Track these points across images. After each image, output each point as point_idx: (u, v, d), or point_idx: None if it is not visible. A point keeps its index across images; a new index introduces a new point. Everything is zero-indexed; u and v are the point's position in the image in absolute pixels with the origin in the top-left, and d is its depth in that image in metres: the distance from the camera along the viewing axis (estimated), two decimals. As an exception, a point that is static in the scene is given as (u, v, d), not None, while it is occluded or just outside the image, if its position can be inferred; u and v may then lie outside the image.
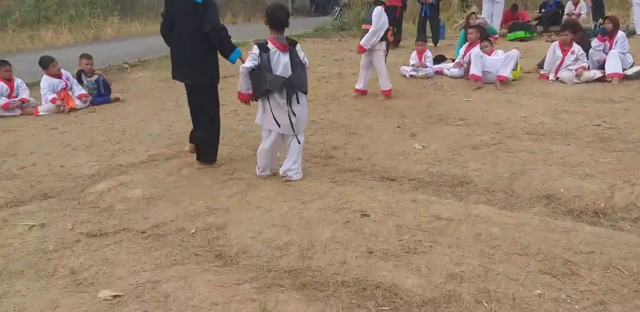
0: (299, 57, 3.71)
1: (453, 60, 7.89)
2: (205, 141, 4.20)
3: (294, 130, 3.75)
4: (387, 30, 6.06)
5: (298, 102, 3.72)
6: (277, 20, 3.68)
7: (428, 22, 10.89)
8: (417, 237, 2.95)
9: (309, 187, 3.70)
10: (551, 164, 3.91)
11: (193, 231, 3.24)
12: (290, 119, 3.70)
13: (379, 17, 5.95)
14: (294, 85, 3.67)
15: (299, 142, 3.84)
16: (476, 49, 7.03)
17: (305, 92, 3.81)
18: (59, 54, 7.42)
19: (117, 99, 6.82)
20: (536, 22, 12.22)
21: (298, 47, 3.74)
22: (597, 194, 3.39)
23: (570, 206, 3.26)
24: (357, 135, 4.98)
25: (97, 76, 6.89)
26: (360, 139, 4.86)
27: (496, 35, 10.48)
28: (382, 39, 6.04)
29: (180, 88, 7.34)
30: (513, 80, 6.98)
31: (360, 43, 6.09)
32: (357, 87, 6.57)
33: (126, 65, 9.01)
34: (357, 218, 3.20)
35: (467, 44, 7.69)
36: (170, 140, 5.04)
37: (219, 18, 4.03)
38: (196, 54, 3.96)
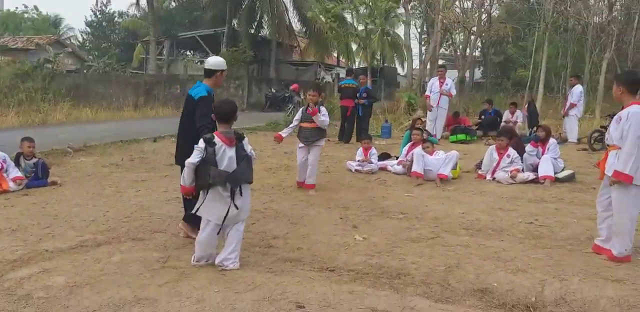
0: (244, 151, 3.82)
1: (397, 158, 8.33)
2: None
3: (228, 220, 3.79)
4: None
5: (241, 195, 3.80)
6: (223, 114, 3.86)
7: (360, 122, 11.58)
8: (351, 329, 2.91)
9: (244, 277, 3.64)
10: (485, 259, 4.05)
11: (115, 322, 3.07)
12: (228, 211, 3.74)
13: (326, 114, 6.46)
14: (238, 178, 3.76)
15: (238, 231, 3.86)
16: (419, 149, 7.49)
17: (250, 183, 3.90)
18: (1, 136, 7.34)
19: (54, 183, 6.67)
20: (476, 127, 13.24)
21: (245, 140, 3.86)
22: (528, 288, 3.50)
23: (503, 299, 3.34)
24: (299, 226, 5.03)
25: (36, 159, 6.80)
26: (302, 229, 4.90)
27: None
28: (322, 136, 6.57)
29: (122, 174, 7.36)
30: (453, 178, 7.39)
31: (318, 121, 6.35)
32: (298, 179, 6.77)
33: (70, 150, 8.95)
34: (292, 310, 3.15)
35: (410, 143, 8.19)
36: (104, 226, 4.91)
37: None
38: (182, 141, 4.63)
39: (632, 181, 3.94)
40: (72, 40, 38.21)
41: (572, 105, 12.29)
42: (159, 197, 6.10)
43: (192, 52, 34.67)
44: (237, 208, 3.76)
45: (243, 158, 3.80)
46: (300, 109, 6.57)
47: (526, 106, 14.18)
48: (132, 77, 24.68)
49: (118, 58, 30.10)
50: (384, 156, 8.84)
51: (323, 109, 6.45)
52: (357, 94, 11.64)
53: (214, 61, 4.66)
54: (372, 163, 8.04)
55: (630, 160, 3.93)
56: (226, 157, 3.74)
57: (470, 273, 3.77)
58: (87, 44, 39.84)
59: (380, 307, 3.18)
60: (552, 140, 7.86)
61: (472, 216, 5.42)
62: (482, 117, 13.60)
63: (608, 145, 4.35)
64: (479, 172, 7.79)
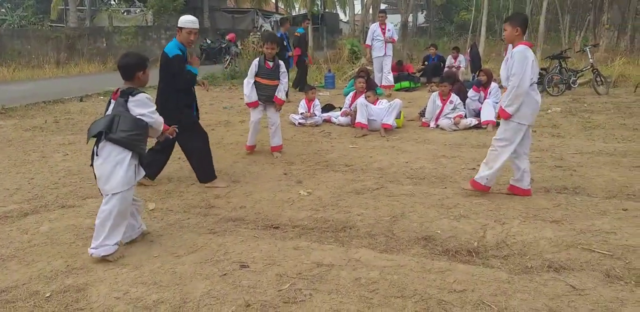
0: (122, 107, 3.33)
1: (341, 109, 8.30)
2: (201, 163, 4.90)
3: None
4: None
5: (97, 155, 3.31)
6: (120, 68, 3.47)
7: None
8: (297, 285, 2.95)
9: (185, 240, 3.60)
10: (429, 207, 4.16)
11: (48, 295, 2.97)
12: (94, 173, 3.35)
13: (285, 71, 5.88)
14: (90, 131, 3.35)
15: (101, 209, 3.29)
16: (361, 99, 7.46)
17: (111, 139, 3.27)
18: None
19: (-30, 150, 6.27)
20: (420, 73, 13.32)
21: (134, 98, 3.32)
22: (470, 234, 3.63)
23: (446, 246, 3.46)
24: (241, 183, 4.98)
25: (-54, 125, 6.33)
26: (245, 187, 4.85)
27: (392, 84, 11.27)
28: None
29: (47, 137, 6.98)
30: (397, 127, 7.46)
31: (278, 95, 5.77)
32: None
33: (-14, 113, 8.39)
34: (235, 270, 3.14)
35: (353, 93, 8.15)
36: (30, 195, 4.69)
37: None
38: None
39: (508, 117, 4.24)
40: (-22, -9, 35.03)
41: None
42: (88, 161, 5.82)
43: (116, 1, 32.63)
44: (95, 169, 3.31)
45: (114, 114, 3.31)
46: (254, 62, 5.74)
47: (469, 50, 14.34)
48: (52, 31, 23.02)
49: (34, 10, 27.94)
50: (327, 108, 8.79)
51: (282, 65, 5.83)
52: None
53: (180, 18, 4.72)
54: (315, 116, 7.98)
55: (511, 98, 4.19)
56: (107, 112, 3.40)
57: (415, 222, 3.87)
58: (-3, -5, 36.66)
59: (326, 261, 3.23)
60: (493, 85, 8.02)
61: (416, 164, 5.53)
62: (426, 63, 13.68)
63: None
64: (423, 119, 7.90)
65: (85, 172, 5.39)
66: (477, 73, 11.28)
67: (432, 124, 7.66)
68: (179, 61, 4.61)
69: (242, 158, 5.98)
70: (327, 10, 35.23)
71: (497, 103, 7.79)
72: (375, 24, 11.83)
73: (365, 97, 7.49)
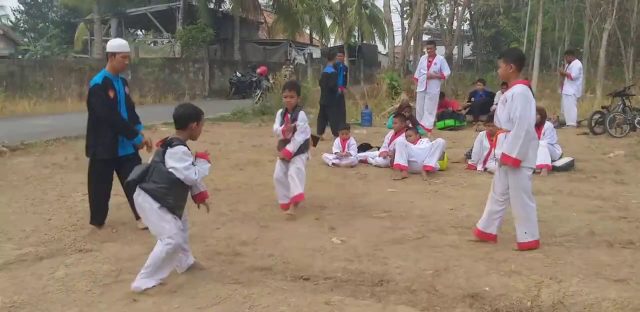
0: (157, 157, 3.70)
1: (379, 149, 8.37)
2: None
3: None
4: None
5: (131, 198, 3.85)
6: (174, 119, 3.80)
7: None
8: (329, 345, 2.94)
9: (208, 290, 3.64)
10: (476, 260, 4.12)
11: (61, 347, 3.04)
12: None
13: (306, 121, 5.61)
14: (127, 180, 3.78)
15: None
16: (401, 138, 7.54)
17: (143, 189, 3.66)
18: None
19: (-13, 188, 6.55)
20: (466, 111, 13.35)
21: (171, 150, 3.64)
22: (523, 292, 3.57)
23: (496, 305, 3.40)
24: (269, 229, 5.03)
25: (-35, 161, 6.65)
26: (273, 234, 4.91)
27: (430, 128, 11.23)
28: (304, 148, 5.65)
29: (66, 176, 7.24)
30: (440, 170, 7.46)
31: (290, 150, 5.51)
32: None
33: (5, 149, 8.77)
34: (261, 325, 3.16)
35: (392, 133, 8.23)
36: (47, 237, 4.85)
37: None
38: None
39: (519, 164, 4.28)
40: (3, 21, 37.26)
41: (568, 76, 12.34)
42: (109, 202, 6.02)
43: (143, 31, 34.13)
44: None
45: (151, 163, 3.71)
46: (279, 113, 5.65)
47: (520, 86, 14.35)
48: (76, 63, 24.22)
49: (58, 40, 29.44)
50: (364, 147, 8.88)
51: (302, 115, 5.48)
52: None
53: (110, 43, 5.11)
54: (351, 155, 8.07)
55: (518, 143, 4.22)
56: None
57: (460, 277, 3.83)
58: (22, 25, 38.86)
59: (361, 319, 3.21)
60: (548, 125, 7.99)
61: (461, 212, 5.49)
62: (472, 99, 13.73)
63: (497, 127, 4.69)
64: (469, 162, 7.89)
65: (105, 214, 5.55)
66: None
67: (479, 167, 7.64)
68: (98, 90, 4.90)
69: (271, 201, 6.04)
70: (364, 41, 36.00)
71: (552, 145, 7.76)
72: (424, 56, 11.93)
73: (406, 137, 7.56)
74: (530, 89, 4.37)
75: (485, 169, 7.53)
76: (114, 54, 4.98)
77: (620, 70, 22.14)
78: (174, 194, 3.70)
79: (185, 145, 3.70)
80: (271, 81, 18.73)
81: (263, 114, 14.90)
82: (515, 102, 4.24)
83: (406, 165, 7.25)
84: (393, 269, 4.01)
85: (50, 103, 18.78)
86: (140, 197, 3.67)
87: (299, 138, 5.48)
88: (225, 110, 15.29)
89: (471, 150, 7.96)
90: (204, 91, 23.20)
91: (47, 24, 37.41)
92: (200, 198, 3.98)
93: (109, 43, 5.12)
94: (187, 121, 3.76)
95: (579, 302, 3.41)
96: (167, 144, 3.67)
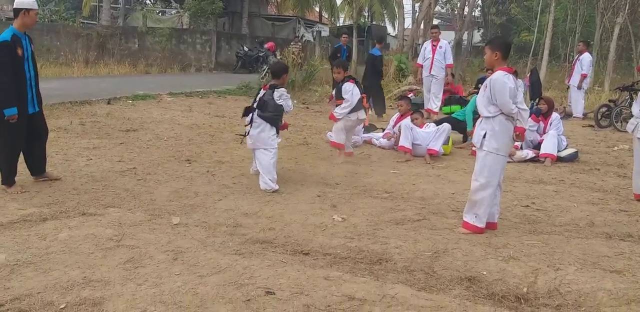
0: (270, 96, 5.55)
1: (383, 130, 8.35)
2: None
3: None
4: (362, 98, 6.88)
5: (251, 125, 5.65)
6: (272, 72, 5.97)
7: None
8: (326, 319, 2.97)
9: (208, 259, 3.67)
10: (475, 244, 4.14)
11: (63, 306, 3.07)
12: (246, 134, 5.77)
13: (352, 91, 6.77)
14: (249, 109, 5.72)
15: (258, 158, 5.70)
16: (407, 120, 7.52)
17: (261, 116, 5.56)
18: None
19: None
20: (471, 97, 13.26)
21: (278, 91, 5.56)
22: (520, 278, 3.60)
23: (492, 289, 3.43)
24: (271, 203, 5.06)
25: None
26: (275, 207, 4.93)
27: (436, 110, 11.19)
28: (356, 110, 6.86)
29: (71, 140, 7.25)
30: (444, 154, 7.46)
31: (334, 113, 6.94)
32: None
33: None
34: (260, 296, 3.19)
35: (397, 114, 8.20)
36: (51, 199, 4.87)
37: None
38: None
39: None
40: (11, -18, 36.79)
41: (584, 77, 12.38)
42: (113, 168, 6.05)
43: (152, 1, 33.78)
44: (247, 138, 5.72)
45: (265, 99, 5.56)
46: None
47: (528, 75, 14.23)
48: (83, 28, 23.93)
49: (66, 5, 29.11)
50: (369, 128, 8.86)
51: (349, 85, 6.85)
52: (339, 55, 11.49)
53: (21, 0, 4.98)
54: (356, 135, 8.05)
55: (525, 118, 4.38)
56: (258, 97, 5.70)
57: (458, 260, 3.86)
58: (30, -13, 38.34)
59: (358, 295, 3.24)
60: (555, 115, 7.96)
61: (463, 196, 5.50)
62: (479, 86, 13.62)
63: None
64: (473, 148, 7.84)
65: (110, 179, 5.57)
66: (536, 101, 11.23)
67: (483, 154, 7.62)
68: (6, 48, 4.82)
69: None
70: (374, 22, 35.64)
71: (558, 135, 7.74)
72: (428, 41, 11.83)
73: (412, 120, 7.54)
74: (516, 75, 4.42)
75: (489, 156, 7.52)
76: (28, 10, 4.95)
77: (630, 64, 22.00)
78: (281, 119, 5.69)
79: (284, 87, 5.68)
80: (278, 57, 18.59)
81: (269, 90, 14.78)
82: (492, 88, 4.31)
83: (410, 148, 7.25)
84: (392, 249, 4.04)
85: (56, 67, 18.64)
86: (259, 122, 5.55)
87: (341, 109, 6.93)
88: (231, 84, 15.21)
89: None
90: (210, 63, 23.01)
91: (56, -12, 37.00)
92: (283, 127, 5.88)
93: (18, 0, 4.98)
94: (281, 73, 5.75)
95: (575, 291, 3.44)
96: (274, 87, 5.59)
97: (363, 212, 4.91)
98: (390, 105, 12.46)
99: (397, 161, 7.13)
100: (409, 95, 10.58)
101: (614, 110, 10.69)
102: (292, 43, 20.78)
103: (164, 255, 3.72)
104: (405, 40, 23.79)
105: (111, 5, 25.77)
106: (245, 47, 22.97)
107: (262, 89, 5.70)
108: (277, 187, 5.46)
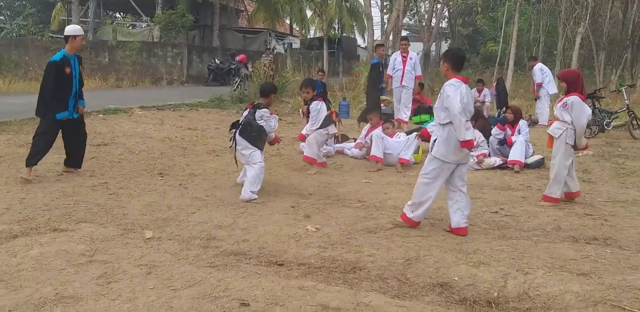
0: (251, 116, 5.71)
1: (355, 140, 8.42)
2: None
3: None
4: (330, 114, 7.07)
5: (235, 143, 5.79)
6: (261, 91, 6.06)
7: None
8: (301, 329, 2.98)
9: (182, 273, 3.64)
10: (446, 251, 4.20)
11: (34, 324, 3.02)
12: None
13: (318, 110, 7.04)
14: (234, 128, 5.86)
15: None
16: (378, 130, 7.59)
17: (248, 141, 5.70)
18: None
19: (-41, 165, 6.42)
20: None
21: (260, 111, 5.69)
22: (490, 282, 3.66)
23: (464, 294, 3.48)
24: (245, 215, 5.05)
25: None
26: (249, 219, 4.92)
27: (407, 120, 11.30)
28: (325, 125, 7.08)
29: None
30: (415, 163, 7.55)
31: (303, 131, 7.28)
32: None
33: (-22, 127, 8.58)
34: (235, 308, 3.18)
35: (369, 126, 8.28)
36: (21, 215, 4.78)
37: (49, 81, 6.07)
38: None
39: (472, 145, 4.63)
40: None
41: (538, 86, 12.71)
42: (84, 183, 5.98)
43: (122, 14, 33.51)
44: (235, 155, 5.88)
45: (247, 119, 5.71)
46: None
47: (495, 84, 14.57)
48: (52, 42, 23.61)
49: (35, 19, 28.68)
50: (341, 138, 8.92)
51: (316, 104, 7.11)
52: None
53: (69, 28, 6.26)
54: (328, 146, 8.10)
55: (461, 127, 4.44)
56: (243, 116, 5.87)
57: (430, 266, 3.90)
58: (-2, 2, 37.74)
59: (333, 304, 3.25)
60: (522, 122, 8.12)
61: (433, 204, 5.55)
62: (448, 95, 13.82)
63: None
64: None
65: (81, 194, 5.50)
66: (503, 110, 11.46)
67: (452, 162, 7.73)
68: (54, 67, 6.00)
69: (247, 188, 6.06)
70: (344, 34, 35.93)
71: (527, 142, 7.90)
72: (397, 52, 11.95)
73: (383, 129, 7.62)
74: (482, 84, 4.59)
75: (458, 164, 7.63)
76: (74, 36, 6.12)
77: (592, 73, 22.59)
78: (259, 138, 5.72)
79: (267, 107, 5.79)
80: (250, 69, 18.60)
81: (241, 102, 14.81)
82: (445, 93, 4.48)
83: (382, 157, 7.31)
84: (365, 257, 4.07)
85: (25, 82, 18.33)
86: (242, 143, 5.68)
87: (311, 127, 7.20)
88: (203, 97, 15.17)
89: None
90: (182, 76, 22.91)
91: (23, 2, 36.37)
92: (274, 142, 6.08)
93: (67, 28, 6.23)
94: (269, 92, 5.94)
95: (544, 294, 3.51)
96: (255, 106, 5.75)
97: (336, 221, 4.93)
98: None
99: (369, 171, 7.19)
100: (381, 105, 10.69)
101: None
102: (263, 55, 20.82)
103: (137, 269, 3.68)
104: (375, 51, 24.00)
105: (80, 19, 25.50)
106: (216, 60, 22.96)
107: (247, 108, 5.86)
108: (256, 197, 5.54)
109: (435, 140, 4.61)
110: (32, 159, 6.02)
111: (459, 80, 4.53)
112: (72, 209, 5.04)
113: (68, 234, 4.35)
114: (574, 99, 5.52)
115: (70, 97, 6.17)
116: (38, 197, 5.34)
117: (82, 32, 6.24)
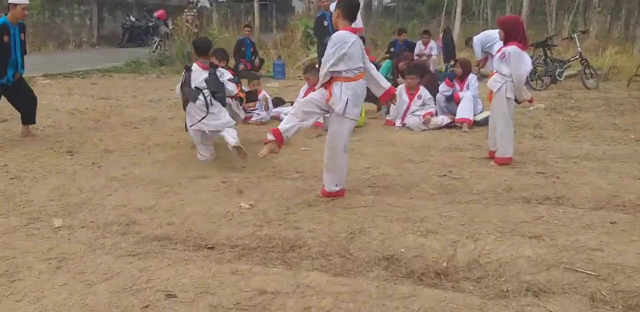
0: (215, 75, 5.74)
1: (292, 104, 8.32)
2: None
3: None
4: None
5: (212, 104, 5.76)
6: (197, 48, 5.97)
7: None
8: (235, 318, 2.95)
9: (98, 265, 3.54)
10: (392, 221, 4.24)
11: None
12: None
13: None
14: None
15: None
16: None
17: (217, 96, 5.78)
18: None
19: None
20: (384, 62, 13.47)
21: (219, 70, 5.84)
22: (439, 252, 3.72)
23: (411, 267, 3.53)
24: (169, 194, 4.94)
25: None
26: (173, 199, 4.82)
27: None
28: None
29: None
30: (357, 126, 7.52)
31: None
32: None
33: None
34: (160, 300, 3.12)
35: (307, 86, 8.18)
36: None
37: None
38: None
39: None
40: None
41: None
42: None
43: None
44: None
45: (213, 78, 5.72)
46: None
47: (442, 36, 14.65)
48: None
49: None
50: (277, 102, 8.80)
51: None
52: None
53: None
54: (262, 111, 7.98)
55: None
56: (200, 78, 5.73)
57: (375, 239, 3.93)
58: None
59: (270, 287, 3.24)
60: (471, 76, 8.22)
61: (378, 170, 5.62)
62: (391, 50, 13.87)
63: None
64: (387, 117, 8.03)
65: (-25, 181, 5.23)
66: (451, 63, 11.57)
67: (397, 123, 7.79)
68: None
69: (171, 163, 5.94)
70: (276, -16, 35.23)
71: (476, 98, 8.01)
72: (334, 3, 11.76)
73: (320, 90, 7.54)
74: (357, 35, 4.63)
75: (404, 125, 7.70)
76: (15, 5, 6.49)
77: (544, 19, 23.05)
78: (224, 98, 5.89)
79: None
80: (171, 27, 18.03)
81: (161, 65, 14.42)
82: (331, 46, 4.54)
83: (321, 121, 7.25)
84: (305, 234, 4.06)
85: None
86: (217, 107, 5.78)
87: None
88: (118, 60, 14.69)
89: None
90: (92, 38, 22.01)
91: None
92: (237, 96, 6.19)
93: None
94: (209, 49, 6.12)
95: (495, 261, 3.60)
96: (214, 66, 5.84)
97: (273, 196, 4.90)
98: (299, 76, 12.44)
99: (307, 137, 7.14)
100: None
101: (528, 68, 11.17)
102: (186, 10, 20.17)
103: (45, 264, 3.55)
104: (312, 2, 23.71)
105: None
106: (132, 18, 22.19)
107: (195, 71, 5.77)
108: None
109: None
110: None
111: (348, 33, 4.55)
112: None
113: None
114: (511, 49, 5.55)
115: (9, 64, 6.59)
116: None
117: (24, 1, 6.57)
